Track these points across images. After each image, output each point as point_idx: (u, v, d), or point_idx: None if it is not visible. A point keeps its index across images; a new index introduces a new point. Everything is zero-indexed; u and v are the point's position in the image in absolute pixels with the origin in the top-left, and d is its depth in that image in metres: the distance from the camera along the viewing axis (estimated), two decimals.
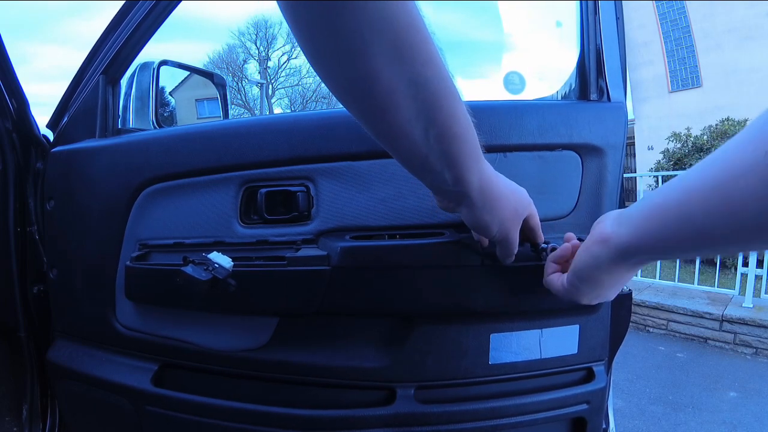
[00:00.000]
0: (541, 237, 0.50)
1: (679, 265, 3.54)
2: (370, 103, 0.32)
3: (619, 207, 0.61)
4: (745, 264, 3.02)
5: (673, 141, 5.66)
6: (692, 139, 5.47)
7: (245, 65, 20.94)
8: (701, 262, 3.41)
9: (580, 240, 0.57)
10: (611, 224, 0.36)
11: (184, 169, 0.65)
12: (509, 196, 0.44)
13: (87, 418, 0.77)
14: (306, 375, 0.62)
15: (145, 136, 0.72)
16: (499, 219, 0.43)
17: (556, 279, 0.44)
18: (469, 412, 0.60)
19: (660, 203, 0.31)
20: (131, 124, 0.84)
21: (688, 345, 2.90)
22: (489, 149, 0.59)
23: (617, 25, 0.63)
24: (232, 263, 0.56)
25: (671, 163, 5.50)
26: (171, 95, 1.23)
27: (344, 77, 0.31)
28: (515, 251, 0.48)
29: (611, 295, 0.42)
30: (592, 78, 0.63)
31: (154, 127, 0.86)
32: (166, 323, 0.67)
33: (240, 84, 20.14)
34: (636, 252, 0.34)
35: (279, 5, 0.29)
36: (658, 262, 3.53)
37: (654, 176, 4.49)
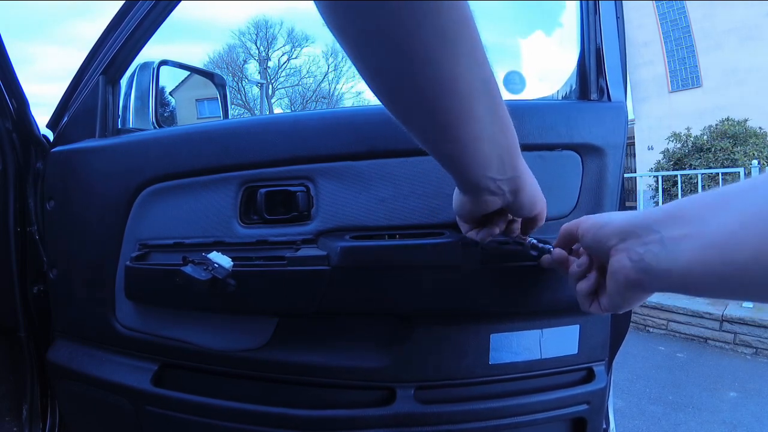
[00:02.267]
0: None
1: None
2: (452, 105, 0.33)
3: (620, 207, 0.61)
4: None
5: (673, 141, 5.66)
6: (692, 139, 5.47)
7: (245, 65, 20.96)
8: None
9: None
10: (636, 271, 0.34)
11: (184, 169, 0.65)
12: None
13: (87, 418, 0.77)
14: (306, 375, 0.62)
15: (144, 136, 0.72)
16: (539, 188, 0.45)
17: (596, 309, 0.43)
18: (469, 412, 0.60)
19: (703, 270, 0.29)
20: (131, 124, 0.84)
21: (688, 345, 2.90)
22: None
23: (617, 25, 0.63)
24: (232, 263, 0.56)
25: (671, 163, 5.50)
26: (171, 95, 1.23)
27: (429, 81, 0.32)
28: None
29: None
30: (592, 77, 0.63)
31: (154, 127, 0.86)
32: (165, 323, 0.67)
33: (240, 84, 20.14)
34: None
35: (352, 13, 0.29)
36: None
37: (654, 176, 4.50)
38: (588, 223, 0.41)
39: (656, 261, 0.33)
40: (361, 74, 0.34)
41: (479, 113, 0.34)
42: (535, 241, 0.49)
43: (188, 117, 1.26)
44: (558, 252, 0.47)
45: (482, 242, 0.51)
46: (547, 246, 0.48)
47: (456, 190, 0.47)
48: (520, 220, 0.49)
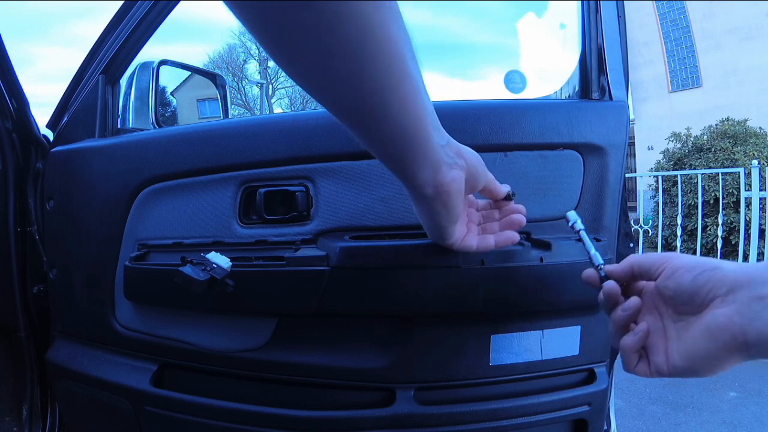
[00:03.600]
0: None
1: None
2: (391, 63, 0.31)
3: (621, 207, 0.61)
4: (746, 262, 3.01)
5: (673, 141, 5.66)
6: (692, 139, 5.47)
7: (245, 65, 20.94)
8: None
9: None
10: (747, 332, 0.29)
11: (183, 169, 0.65)
12: None
13: (86, 418, 0.77)
14: (305, 376, 0.62)
15: (144, 136, 0.72)
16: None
17: (645, 370, 0.37)
18: (469, 413, 0.60)
19: None
20: (131, 124, 0.84)
21: None
22: (490, 148, 0.59)
23: (619, 24, 0.63)
24: (231, 263, 0.56)
25: (671, 163, 5.49)
26: (172, 95, 1.23)
27: (363, 41, 0.29)
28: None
29: None
30: (593, 77, 0.63)
31: (154, 127, 0.86)
32: (165, 323, 0.67)
33: (240, 84, 20.13)
34: None
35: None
36: None
37: (654, 176, 4.50)
38: (686, 261, 0.35)
39: None
40: (284, 58, 0.30)
41: (414, 72, 0.32)
42: (601, 262, 0.42)
43: (190, 117, 1.26)
44: (610, 286, 0.39)
45: (485, 247, 0.47)
46: (601, 270, 0.41)
47: (420, 213, 0.43)
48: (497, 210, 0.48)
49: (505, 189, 0.47)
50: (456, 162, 0.39)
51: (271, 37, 0.28)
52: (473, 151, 0.42)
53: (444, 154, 0.38)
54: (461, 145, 0.41)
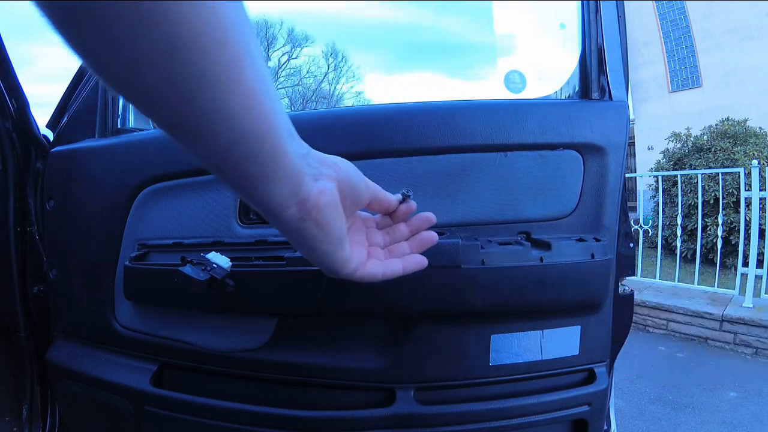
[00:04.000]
0: None
1: (679, 265, 3.54)
2: (238, 38, 0.24)
3: (621, 207, 0.61)
4: (745, 264, 3.02)
5: (673, 141, 5.66)
6: (692, 139, 5.47)
7: None
8: (701, 262, 3.41)
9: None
10: None
11: (183, 169, 0.65)
12: None
13: (86, 418, 0.77)
14: (305, 376, 0.62)
15: (144, 136, 0.72)
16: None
17: None
18: (469, 413, 0.60)
19: None
20: (131, 123, 0.84)
21: (688, 345, 2.90)
22: (490, 148, 0.59)
23: (619, 24, 0.63)
24: (231, 263, 0.56)
25: (671, 163, 5.50)
26: None
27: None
28: None
29: None
30: (593, 77, 0.63)
31: (154, 127, 0.86)
32: (165, 323, 0.67)
33: None
34: None
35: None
36: (658, 262, 3.54)
37: (654, 176, 4.50)
38: None
39: None
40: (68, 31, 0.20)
41: (259, 60, 0.25)
42: None
43: None
44: None
45: (392, 274, 0.39)
46: None
47: (294, 243, 0.35)
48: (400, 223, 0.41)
49: (396, 197, 0.41)
50: (321, 172, 0.33)
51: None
52: (345, 159, 0.36)
53: (305, 164, 0.31)
54: (328, 155, 0.35)
